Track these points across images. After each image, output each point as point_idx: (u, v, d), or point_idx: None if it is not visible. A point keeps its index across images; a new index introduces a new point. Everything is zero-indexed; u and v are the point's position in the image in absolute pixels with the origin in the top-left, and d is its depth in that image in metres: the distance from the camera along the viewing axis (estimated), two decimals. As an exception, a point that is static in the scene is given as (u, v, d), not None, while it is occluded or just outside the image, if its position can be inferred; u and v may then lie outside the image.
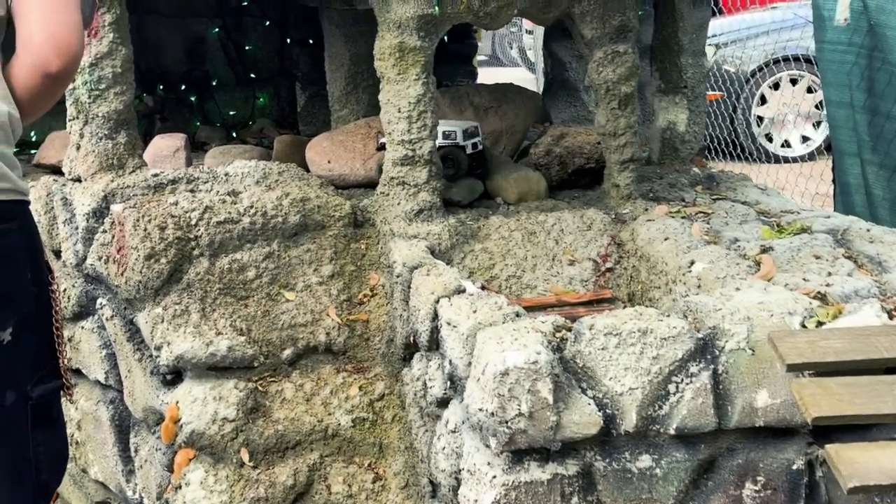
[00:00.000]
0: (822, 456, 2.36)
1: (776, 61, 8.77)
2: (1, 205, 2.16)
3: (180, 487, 3.09)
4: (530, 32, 13.71)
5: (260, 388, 3.16)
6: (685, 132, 4.07)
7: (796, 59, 8.47)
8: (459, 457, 2.53)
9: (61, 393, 2.38)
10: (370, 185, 3.68)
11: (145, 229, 3.20)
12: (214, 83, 5.33)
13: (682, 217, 3.38)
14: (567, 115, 5.22)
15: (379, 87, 3.38)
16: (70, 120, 3.51)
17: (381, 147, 3.67)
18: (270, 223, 3.27)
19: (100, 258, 3.39)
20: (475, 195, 3.63)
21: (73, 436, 3.79)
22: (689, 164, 4.07)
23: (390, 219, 3.34)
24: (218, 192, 3.37)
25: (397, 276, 3.08)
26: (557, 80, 5.41)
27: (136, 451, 3.51)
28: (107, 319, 3.48)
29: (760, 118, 8.88)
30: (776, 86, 8.88)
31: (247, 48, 5.41)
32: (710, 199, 3.64)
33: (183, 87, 5.25)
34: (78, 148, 3.52)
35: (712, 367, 2.36)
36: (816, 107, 8.65)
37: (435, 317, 2.74)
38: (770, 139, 8.86)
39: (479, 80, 6.23)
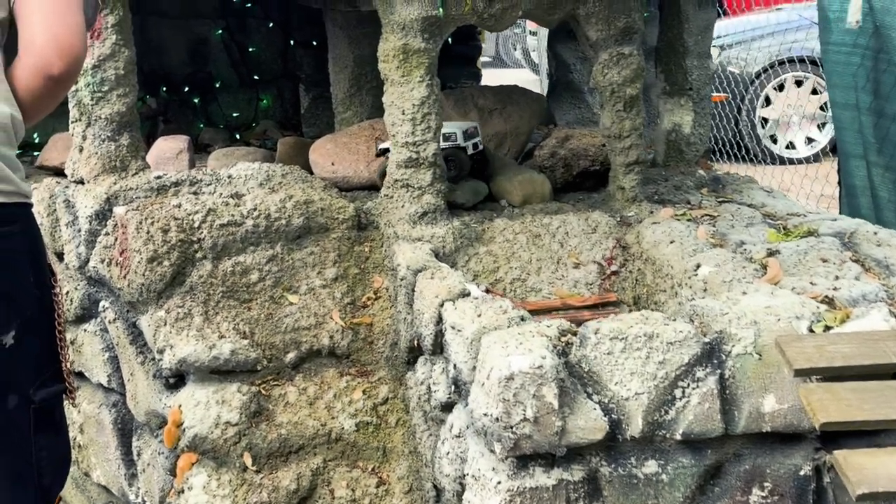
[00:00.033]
0: (829, 462, 2.34)
1: (781, 63, 8.75)
2: (3, 207, 2.15)
3: (183, 492, 3.08)
4: (534, 34, 13.71)
5: (263, 392, 3.14)
6: (690, 134, 4.05)
7: (801, 60, 8.44)
8: (464, 462, 2.51)
9: (64, 396, 2.38)
10: (374, 187, 3.67)
11: (148, 232, 3.19)
12: (218, 85, 5.33)
13: (688, 220, 3.36)
14: (571, 117, 5.20)
15: (383, 88, 3.36)
16: (73, 122, 3.50)
17: (381, 153, 3.66)
18: (274, 226, 3.26)
19: (102, 261, 3.37)
20: (479, 197, 3.61)
21: (75, 439, 3.78)
22: (695, 167, 4.05)
23: (394, 221, 3.33)
24: (221, 194, 3.35)
25: (401, 279, 3.06)
26: (562, 81, 5.39)
27: (138, 454, 3.49)
28: (109, 322, 3.46)
29: (765, 120, 8.85)
30: (781, 87, 8.86)
31: (250, 50, 5.40)
32: (716, 202, 3.62)
33: (186, 89, 5.24)
34: (81, 150, 3.51)
35: (719, 371, 2.34)
36: (821, 108, 8.63)
37: (439, 320, 2.73)
38: (774, 141, 8.84)
39: (483, 82, 6.23)
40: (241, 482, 3.05)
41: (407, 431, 3.14)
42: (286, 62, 5.47)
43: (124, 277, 3.23)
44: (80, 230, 3.47)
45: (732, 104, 8.59)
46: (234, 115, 5.36)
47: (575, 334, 2.40)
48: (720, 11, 8.14)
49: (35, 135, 4.61)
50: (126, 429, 3.60)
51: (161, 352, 3.13)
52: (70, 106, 3.48)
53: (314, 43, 5.16)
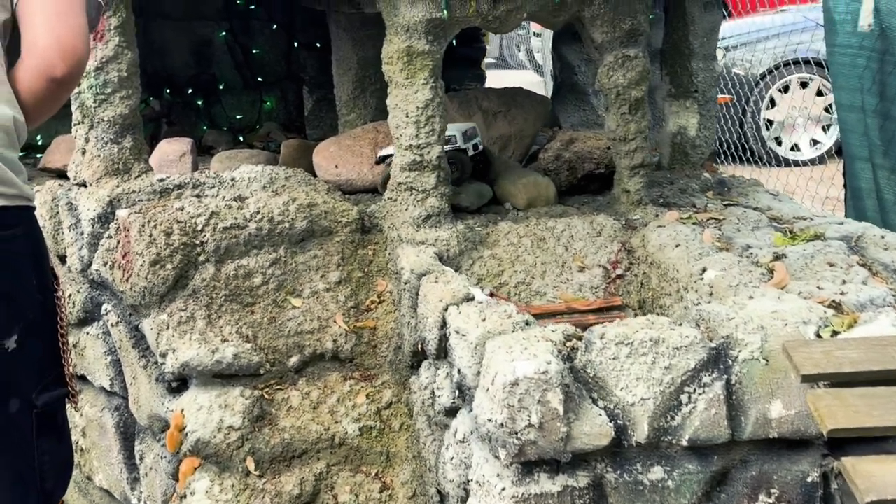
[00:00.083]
0: (837, 468, 2.31)
1: (786, 64, 8.73)
2: (6, 210, 2.14)
3: (185, 496, 3.06)
4: (538, 35, 13.70)
5: (266, 396, 3.13)
6: (696, 137, 4.03)
7: (806, 62, 8.43)
8: (468, 467, 2.50)
9: (66, 400, 2.36)
10: (378, 190, 3.65)
11: (151, 235, 3.17)
12: (221, 87, 5.31)
13: (694, 223, 3.34)
14: (576, 119, 5.19)
15: (387, 91, 3.35)
16: (75, 124, 3.49)
17: (381, 160, 3.64)
18: (277, 229, 3.24)
19: (105, 264, 3.36)
20: (484, 200, 3.59)
21: (77, 443, 3.76)
22: (700, 169, 4.03)
23: (398, 224, 3.31)
24: (224, 197, 3.34)
25: (405, 283, 3.04)
26: (566, 83, 5.38)
27: (141, 458, 3.48)
28: (112, 325, 3.45)
29: (770, 121, 8.83)
30: (785, 89, 8.84)
31: (254, 52, 5.38)
32: (722, 205, 3.60)
33: (190, 91, 5.23)
34: (83, 152, 3.50)
35: (725, 377, 2.32)
36: (826, 110, 8.61)
37: (443, 325, 2.71)
38: (779, 142, 8.82)
39: (487, 84, 6.22)
40: (244, 487, 3.03)
41: (411, 436, 3.13)
42: (290, 64, 5.46)
43: (127, 280, 3.22)
44: (82, 233, 3.46)
45: (737, 106, 8.57)
46: (238, 117, 5.35)
47: (580, 339, 2.39)
48: (724, 13, 8.13)
49: (38, 137, 4.60)
50: (128, 433, 3.59)
51: (164, 355, 3.12)
52: (73, 108, 3.47)
53: (318, 45, 5.14)
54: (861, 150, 4.52)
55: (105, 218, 3.38)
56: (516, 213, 3.52)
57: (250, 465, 3.04)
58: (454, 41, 4.54)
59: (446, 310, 2.70)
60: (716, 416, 2.30)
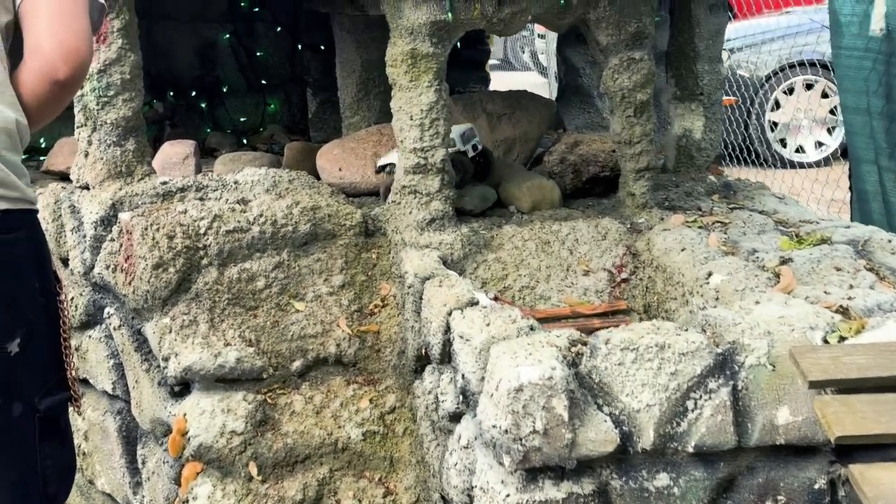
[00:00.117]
0: (844, 475, 2.30)
1: (791, 66, 8.71)
2: (9, 214, 2.14)
3: (188, 501, 3.05)
4: (542, 37, 13.68)
5: (269, 401, 3.11)
6: (701, 139, 4.01)
7: (811, 64, 8.41)
8: (472, 473, 2.48)
9: (69, 404, 2.36)
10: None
11: (153, 238, 3.16)
12: (225, 89, 5.30)
13: (699, 227, 3.32)
14: (581, 122, 5.17)
15: (391, 93, 3.33)
16: (78, 127, 3.48)
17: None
18: (280, 232, 3.22)
19: (107, 267, 3.35)
20: (488, 204, 3.58)
21: (79, 446, 3.75)
22: (706, 172, 4.01)
23: (402, 228, 3.30)
24: (227, 200, 3.32)
25: (409, 287, 3.03)
26: (571, 86, 5.36)
27: (143, 462, 3.47)
28: (114, 329, 3.44)
29: (774, 123, 8.81)
30: (790, 91, 8.82)
31: (258, 54, 5.37)
32: (727, 208, 3.58)
33: (193, 93, 5.22)
34: (86, 155, 3.48)
35: (732, 383, 2.30)
36: (831, 112, 8.59)
37: (447, 329, 2.69)
38: (784, 144, 8.80)
39: (491, 85, 6.21)
40: (247, 492, 3.02)
41: (414, 441, 3.11)
42: (294, 66, 5.45)
43: (129, 284, 3.21)
44: (85, 236, 3.45)
45: (742, 108, 8.56)
46: (242, 119, 5.34)
47: (585, 344, 2.37)
48: (729, 14, 8.11)
49: (41, 139, 4.59)
50: (131, 436, 3.58)
51: (166, 359, 3.10)
52: (75, 111, 3.45)
53: (322, 47, 5.13)
54: (867, 153, 4.50)
55: (108, 221, 3.37)
56: (521, 217, 3.50)
57: (253, 470, 3.03)
58: (458, 43, 4.52)
59: (450, 314, 2.69)
60: (722, 422, 2.28)
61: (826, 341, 2.34)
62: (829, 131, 8.74)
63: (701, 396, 2.29)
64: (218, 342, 3.10)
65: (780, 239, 3.18)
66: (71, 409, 2.38)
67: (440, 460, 2.80)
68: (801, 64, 8.48)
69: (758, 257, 3.00)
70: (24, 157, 2.22)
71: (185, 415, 3.07)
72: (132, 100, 3.43)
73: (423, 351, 2.93)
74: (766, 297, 2.62)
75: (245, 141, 5.14)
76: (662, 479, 2.30)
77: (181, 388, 3.18)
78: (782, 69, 8.75)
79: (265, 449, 3.04)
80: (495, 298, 3.04)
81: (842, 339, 2.35)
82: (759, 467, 2.34)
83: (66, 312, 2.34)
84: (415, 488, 3.07)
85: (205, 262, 3.17)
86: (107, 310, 3.49)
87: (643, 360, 2.29)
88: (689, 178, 3.94)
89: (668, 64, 4.11)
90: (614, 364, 2.29)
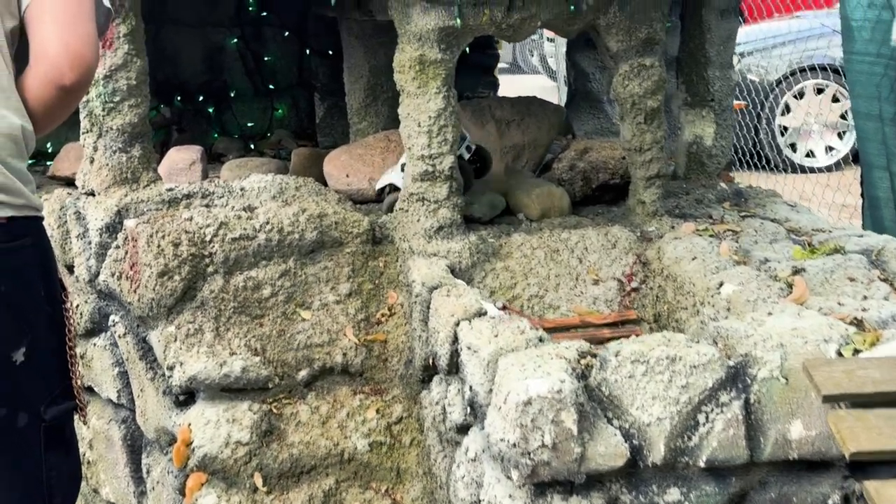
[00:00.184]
0: (859, 490, 2.26)
1: (801, 70, 8.68)
2: (14, 221, 2.13)
3: (192, 512, 3.03)
4: (551, 40, 13.66)
5: (274, 411, 3.08)
6: (712, 146, 3.97)
7: (822, 68, 8.37)
8: (479, 486, 2.45)
9: (74, 413, 2.34)
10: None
11: (159, 245, 3.13)
12: (233, 94, 5.28)
13: (710, 235, 3.29)
14: (590, 127, 5.13)
15: (399, 99, 3.30)
16: (83, 133, 3.46)
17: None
18: (287, 240, 3.20)
19: (113, 274, 3.32)
20: (496, 211, 3.54)
21: (84, 455, 3.73)
22: (716, 179, 3.97)
23: (409, 236, 3.26)
24: (233, 207, 3.30)
25: (416, 296, 3.00)
26: (581, 91, 5.33)
27: (148, 472, 3.44)
28: (119, 337, 3.41)
29: (785, 128, 8.77)
30: (800, 95, 8.78)
31: (266, 58, 5.34)
32: (739, 217, 3.54)
33: (201, 98, 5.19)
34: (91, 161, 3.46)
35: (744, 396, 2.27)
36: (842, 117, 8.55)
37: (455, 340, 2.66)
38: (794, 149, 8.76)
39: (500, 89, 6.17)
40: (252, 503, 2.99)
41: (421, 452, 3.08)
42: (302, 71, 5.42)
43: (134, 292, 3.18)
44: (90, 243, 3.42)
45: (752, 112, 8.52)
46: (249, 124, 5.31)
47: (595, 356, 2.34)
48: (739, 19, 8.08)
49: (48, 144, 4.58)
50: (135, 445, 3.55)
51: (171, 368, 3.08)
52: (81, 116, 3.43)
53: (330, 52, 5.10)
54: (878, 159, 4.47)
55: (113, 228, 3.35)
56: (529, 224, 3.47)
57: (258, 480, 3.00)
58: (467, 48, 4.50)
59: (458, 325, 2.66)
60: (734, 436, 2.24)
61: (840, 354, 2.30)
62: (840, 136, 8.70)
63: (712, 410, 2.25)
64: (223, 351, 3.07)
65: (793, 248, 3.14)
66: (76, 417, 2.36)
67: (447, 472, 2.77)
68: (812, 68, 8.45)
69: (770, 267, 2.96)
70: (31, 161, 2.20)
71: (189, 425, 3.04)
72: (138, 106, 3.41)
73: (431, 361, 2.90)
74: (779, 308, 2.58)
75: (253, 146, 5.12)
76: (673, 494, 2.26)
77: (186, 397, 3.15)
78: (792, 73, 8.72)
79: (270, 460, 3.01)
80: (504, 307, 3.01)
81: (856, 351, 2.31)
82: (771, 482, 2.30)
83: (71, 321, 2.32)
84: (422, 500, 3.04)
85: (210, 269, 3.14)
86: (112, 317, 3.47)
87: (654, 372, 2.25)
88: (699, 185, 3.90)
89: (679, 70, 4.07)
90: (624, 377, 2.26)
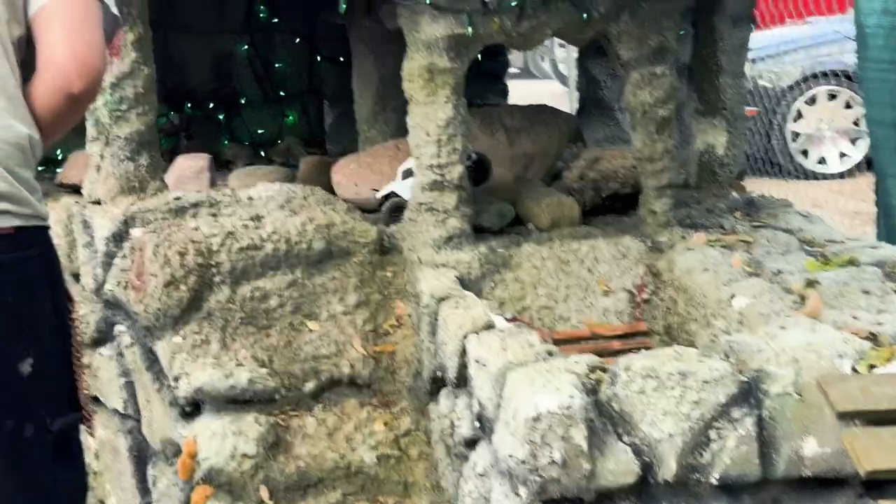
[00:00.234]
0: (873, 509, 2.23)
1: (813, 76, 8.65)
2: (22, 231, 2.13)
3: (198, 525, 3.00)
4: (563, 45, 13.64)
5: (281, 423, 3.06)
6: (724, 155, 3.93)
7: (834, 74, 8.34)
8: (488, 502, 2.42)
9: (81, 424, 2.33)
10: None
11: (165, 255, 3.11)
12: (242, 101, 5.27)
13: (722, 246, 3.25)
14: (601, 135, 5.09)
15: (407, 108, 3.28)
16: (90, 141, 3.45)
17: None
18: (294, 250, 3.17)
19: (119, 284, 3.31)
20: (506, 221, 3.51)
21: (90, 465, 3.70)
22: (728, 189, 3.93)
23: (418, 246, 3.24)
24: (240, 216, 3.27)
25: (424, 308, 2.97)
26: (591, 99, 5.28)
27: (154, 483, 3.42)
28: (125, 347, 3.40)
29: (797, 134, 8.74)
30: (813, 101, 8.74)
31: (276, 65, 5.33)
32: (751, 227, 3.50)
33: (210, 105, 5.18)
34: (98, 170, 3.45)
35: (757, 412, 2.23)
36: (855, 123, 8.52)
37: (463, 353, 2.64)
38: (806, 155, 8.72)
39: (511, 94, 6.14)
40: (258, 517, 2.97)
41: (429, 465, 3.06)
42: (312, 78, 5.41)
43: (141, 301, 3.16)
44: (96, 252, 3.41)
45: (763, 119, 8.50)
46: (259, 131, 5.30)
47: (605, 370, 2.30)
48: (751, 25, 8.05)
49: (58, 151, 4.57)
50: (142, 456, 3.53)
51: (177, 379, 3.06)
52: (87, 124, 3.42)
53: (341, 59, 5.08)
54: (892, 167, 4.43)
55: (119, 237, 3.33)
56: (539, 235, 3.43)
57: (264, 493, 2.98)
58: (479, 56, 4.47)
59: (466, 338, 2.63)
60: (747, 453, 2.21)
61: (855, 370, 2.27)
62: (853, 142, 8.66)
63: (725, 426, 2.22)
64: (230, 362, 3.05)
65: (806, 259, 3.10)
66: (83, 429, 2.36)
67: (455, 486, 2.75)
68: (824, 74, 8.43)
69: (783, 279, 2.92)
70: (40, 168, 2.20)
71: (195, 437, 3.02)
72: (145, 114, 3.40)
73: (439, 373, 2.87)
74: (792, 321, 2.54)
75: (262, 153, 5.10)
76: (685, 512, 2.23)
77: (192, 408, 3.13)
78: (804, 79, 8.69)
79: (277, 472, 2.99)
80: (513, 319, 2.98)
81: (872, 367, 2.27)
82: (784, 500, 2.26)
83: (78, 332, 2.31)
84: (429, 514, 3.02)
85: (217, 279, 3.12)
86: (118, 327, 3.45)
87: (665, 387, 2.22)
88: (711, 194, 3.86)
89: (691, 78, 4.03)
90: (635, 392, 2.22)
